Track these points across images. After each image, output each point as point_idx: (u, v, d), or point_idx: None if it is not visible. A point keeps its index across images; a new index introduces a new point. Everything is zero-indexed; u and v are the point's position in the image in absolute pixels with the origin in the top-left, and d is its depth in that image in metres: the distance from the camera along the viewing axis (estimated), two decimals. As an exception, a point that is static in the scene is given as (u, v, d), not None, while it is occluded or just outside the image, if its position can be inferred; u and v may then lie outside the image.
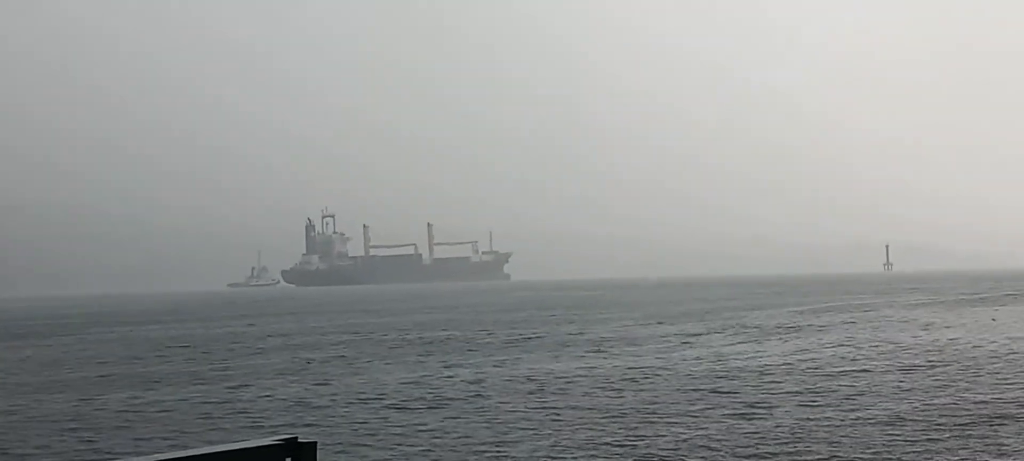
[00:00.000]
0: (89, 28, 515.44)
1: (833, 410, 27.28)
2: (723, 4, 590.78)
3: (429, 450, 23.36)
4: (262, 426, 27.55)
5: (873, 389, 31.38)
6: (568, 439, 23.93)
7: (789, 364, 39.53)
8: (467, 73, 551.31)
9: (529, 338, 58.18)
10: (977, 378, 33.58)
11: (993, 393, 29.68)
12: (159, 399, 33.63)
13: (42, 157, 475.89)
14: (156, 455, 6.59)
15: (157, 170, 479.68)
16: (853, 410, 27.19)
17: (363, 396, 32.95)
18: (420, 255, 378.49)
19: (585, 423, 26.12)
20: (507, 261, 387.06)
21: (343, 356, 49.38)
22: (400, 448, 23.69)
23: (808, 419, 25.85)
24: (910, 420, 25.30)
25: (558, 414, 27.71)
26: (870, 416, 26.13)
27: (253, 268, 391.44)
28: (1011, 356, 40.54)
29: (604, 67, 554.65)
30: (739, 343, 50.89)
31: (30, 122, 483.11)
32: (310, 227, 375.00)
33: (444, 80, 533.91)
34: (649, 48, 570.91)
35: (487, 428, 25.83)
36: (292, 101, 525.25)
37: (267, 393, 34.56)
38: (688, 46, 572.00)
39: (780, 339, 53.14)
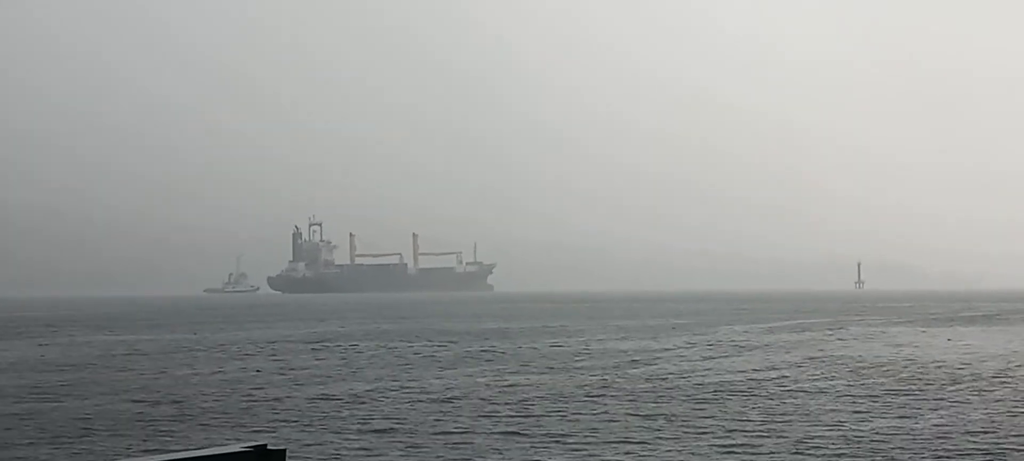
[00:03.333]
0: (84, 51, 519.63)
1: (775, 433, 26.96)
2: (696, 23, 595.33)
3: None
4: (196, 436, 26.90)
5: (823, 411, 31.07)
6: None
7: (741, 383, 39.11)
8: (452, 94, 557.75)
9: (485, 351, 58.15)
10: (921, 402, 33.35)
11: (940, 419, 29.61)
12: (74, 408, 33.32)
13: (26, 166, 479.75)
14: (125, 459, 6.74)
15: (140, 182, 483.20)
16: (790, 432, 26.89)
17: (311, 407, 32.59)
18: (405, 265, 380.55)
19: (530, 443, 25.92)
20: (491, 272, 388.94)
21: (295, 368, 48.95)
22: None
23: (751, 440, 25.59)
24: (838, 445, 25.15)
25: (496, 430, 27.43)
26: (814, 440, 25.86)
27: (231, 274, 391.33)
28: (972, 382, 40.48)
29: (586, 91, 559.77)
30: (698, 359, 50.77)
31: (17, 134, 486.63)
32: (297, 235, 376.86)
33: (427, 99, 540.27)
34: (625, 71, 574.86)
35: (452, 445, 25.65)
36: (279, 121, 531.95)
37: (205, 403, 34.20)
38: (660, 66, 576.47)
39: (738, 357, 52.90)
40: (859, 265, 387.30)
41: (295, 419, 30.51)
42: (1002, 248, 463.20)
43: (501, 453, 24.52)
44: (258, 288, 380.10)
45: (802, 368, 45.93)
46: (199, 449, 7.30)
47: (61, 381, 42.44)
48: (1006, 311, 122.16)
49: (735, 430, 27.43)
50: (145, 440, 26.99)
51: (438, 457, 24.26)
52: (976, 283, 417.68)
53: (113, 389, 39.08)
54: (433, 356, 55.08)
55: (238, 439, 26.17)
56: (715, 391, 36.59)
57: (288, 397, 35.96)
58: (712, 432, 27.15)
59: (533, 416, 30.54)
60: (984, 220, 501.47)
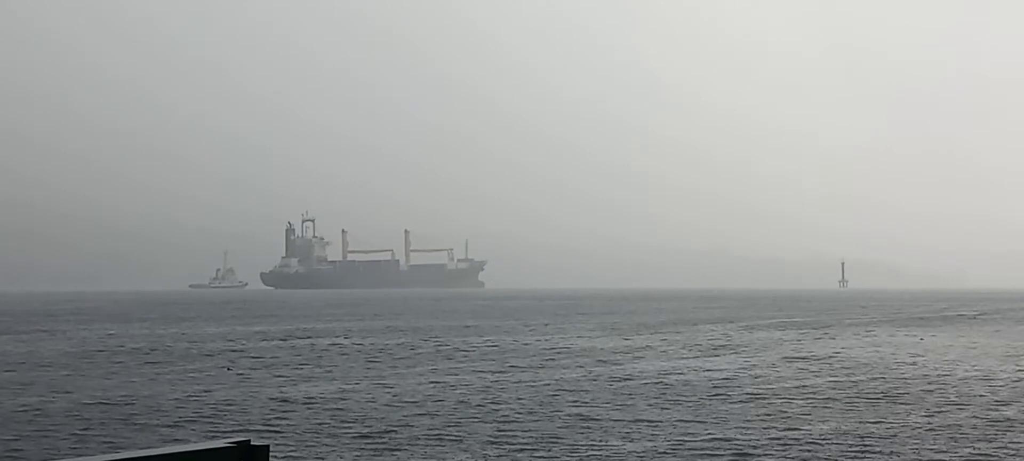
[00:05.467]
0: (73, 48, 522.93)
1: (751, 433, 26.91)
2: (688, 24, 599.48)
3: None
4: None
5: (799, 412, 31.07)
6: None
7: (716, 383, 39.06)
8: (446, 92, 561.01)
9: (465, 349, 58.22)
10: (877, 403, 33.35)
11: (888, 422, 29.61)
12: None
13: (16, 164, 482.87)
14: (104, 455, 6.70)
15: (136, 181, 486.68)
16: (767, 433, 26.87)
17: (286, 405, 32.62)
18: (397, 261, 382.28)
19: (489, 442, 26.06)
20: (482, 269, 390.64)
21: (268, 365, 48.99)
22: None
23: (725, 441, 25.61)
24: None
25: (456, 433, 27.54)
26: (791, 441, 25.83)
27: (218, 269, 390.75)
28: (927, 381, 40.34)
29: (581, 92, 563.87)
30: (672, 359, 50.87)
31: (12, 133, 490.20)
32: (290, 231, 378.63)
33: (421, 98, 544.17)
34: (621, 73, 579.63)
35: (428, 442, 25.78)
36: (274, 119, 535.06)
37: (171, 400, 34.16)
38: (654, 67, 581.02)
39: (714, 356, 52.96)
40: (843, 264, 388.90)
41: (270, 417, 30.47)
42: (985, 247, 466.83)
43: (475, 452, 24.73)
44: (246, 284, 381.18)
45: (778, 368, 45.94)
46: (183, 445, 6.94)
47: (24, 378, 42.52)
48: (988, 311, 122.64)
49: (708, 431, 27.40)
50: (80, 441, 26.90)
51: (414, 455, 24.56)
52: (958, 282, 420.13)
53: (72, 386, 39.11)
54: (413, 353, 55.38)
55: (200, 438, 26.39)
56: (689, 390, 36.50)
57: (265, 394, 35.91)
58: (687, 432, 27.12)
59: (506, 416, 30.57)
60: (969, 218, 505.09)
